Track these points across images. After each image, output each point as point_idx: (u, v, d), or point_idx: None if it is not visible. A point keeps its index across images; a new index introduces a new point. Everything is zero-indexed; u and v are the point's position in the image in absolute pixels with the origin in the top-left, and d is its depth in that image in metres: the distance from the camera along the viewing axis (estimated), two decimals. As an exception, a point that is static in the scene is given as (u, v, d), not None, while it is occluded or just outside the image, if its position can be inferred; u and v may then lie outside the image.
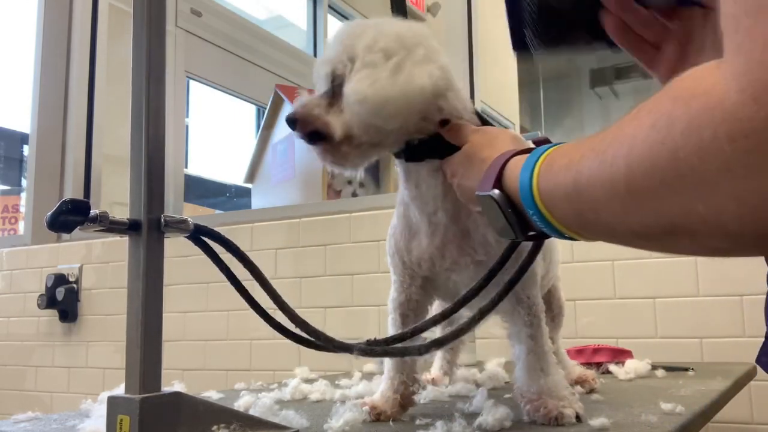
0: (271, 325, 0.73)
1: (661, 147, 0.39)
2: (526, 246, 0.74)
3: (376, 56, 0.73)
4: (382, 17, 0.81)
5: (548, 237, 0.64)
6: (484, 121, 0.81)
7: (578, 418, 0.76)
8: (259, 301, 0.74)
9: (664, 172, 0.39)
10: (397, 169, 0.86)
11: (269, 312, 0.75)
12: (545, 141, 0.65)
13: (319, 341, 0.73)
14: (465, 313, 0.86)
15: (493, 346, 1.53)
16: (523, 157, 0.60)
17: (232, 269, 0.74)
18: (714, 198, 0.37)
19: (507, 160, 0.63)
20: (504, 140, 0.70)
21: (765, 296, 0.66)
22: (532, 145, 0.65)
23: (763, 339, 0.69)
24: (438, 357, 1.19)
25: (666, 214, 0.41)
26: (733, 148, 0.35)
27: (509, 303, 0.81)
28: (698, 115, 0.37)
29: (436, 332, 0.94)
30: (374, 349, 0.71)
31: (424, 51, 0.75)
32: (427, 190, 0.82)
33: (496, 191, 0.61)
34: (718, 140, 0.35)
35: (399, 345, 0.74)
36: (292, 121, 0.77)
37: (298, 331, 0.74)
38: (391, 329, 0.87)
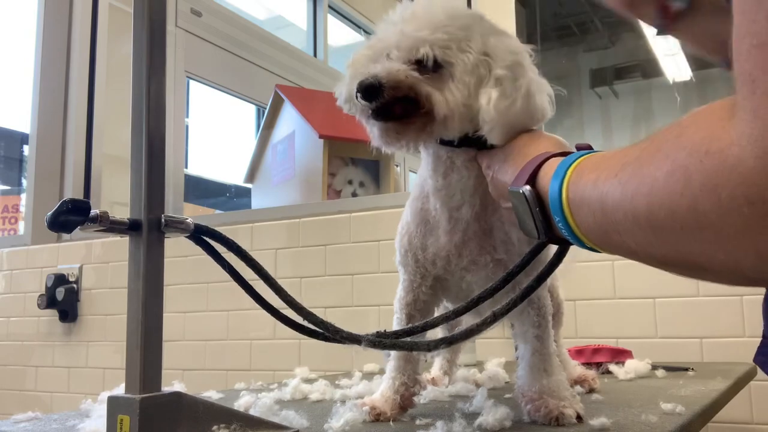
0: (278, 319, 0.73)
1: (680, 198, 0.41)
2: (547, 254, 0.74)
3: (504, 72, 0.73)
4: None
5: (570, 244, 0.65)
6: None
7: (579, 418, 0.76)
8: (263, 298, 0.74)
9: (684, 220, 0.41)
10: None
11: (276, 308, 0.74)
12: (588, 147, 0.66)
13: (328, 332, 0.72)
14: (466, 318, 0.85)
15: (493, 346, 1.53)
16: (560, 160, 0.61)
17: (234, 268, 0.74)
18: (734, 250, 0.39)
19: (545, 160, 0.63)
20: (548, 141, 0.70)
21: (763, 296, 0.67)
22: (574, 150, 0.66)
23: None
24: (438, 357, 1.19)
25: (688, 254, 0.43)
26: (751, 211, 0.36)
27: (521, 305, 0.81)
28: (714, 175, 0.38)
29: (437, 332, 0.94)
30: (383, 341, 0.70)
31: (536, 72, 0.76)
32: (457, 182, 0.80)
33: (528, 188, 0.62)
34: (737, 202, 0.37)
35: (408, 339, 0.74)
36: (375, 86, 0.71)
37: (305, 323, 0.73)
38: (396, 329, 0.87)
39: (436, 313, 0.92)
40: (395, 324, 0.88)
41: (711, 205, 0.38)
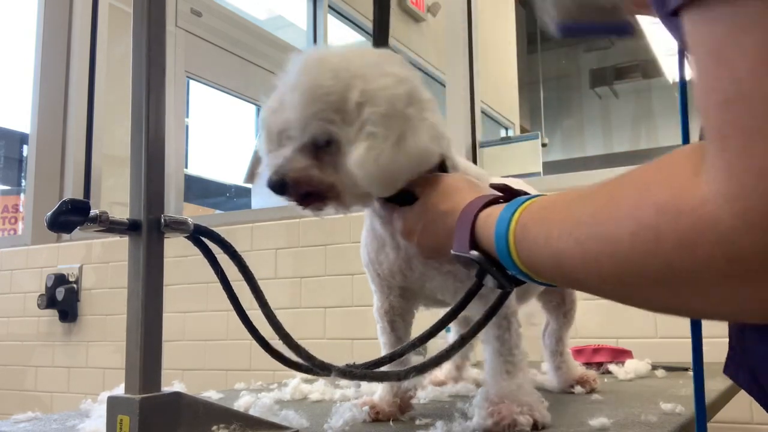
0: (253, 336, 0.74)
1: (653, 258, 0.40)
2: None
3: (376, 128, 0.69)
4: (352, 49, 0.76)
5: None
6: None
7: (536, 426, 0.71)
8: (260, 305, 0.74)
9: (657, 277, 0.40)
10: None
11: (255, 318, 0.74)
12: (505, 188, 0.67)
13: (300, 357, 0.72)
14: (453, 327, 0.85)
15: (493, 346, 1.53)
16: (492, 214, 0.60)
17: (232, 270, 0.74)
18: (711, 300, 0.40)
19: (475, 217, 0.62)
20: (460, 189, 0.69)
21: None
22: (492, 191, 0.66)
23: None
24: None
25: (661, 302, 0.44)
26: (731, 267, 0.36)
27: (478, 305, 0.77)
28: (690, 234, 0.37)
29: (443, 336, 0.93)
30: (353, 371, 0.69)
31: (418, 110, 0.72)
32: (386, 225, 0.80)
33: (475, 253, 0.61)
34: (715, 260, 0.36)
35: (378, 369, 0.73)
36: (280, 185, 0.73)
37: (281, 345, 0.73)
38: (381, 337, 0.87)
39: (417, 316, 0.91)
40: (379, 332, 0.88)
41: (687, 263, 0.38)
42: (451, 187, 0.70)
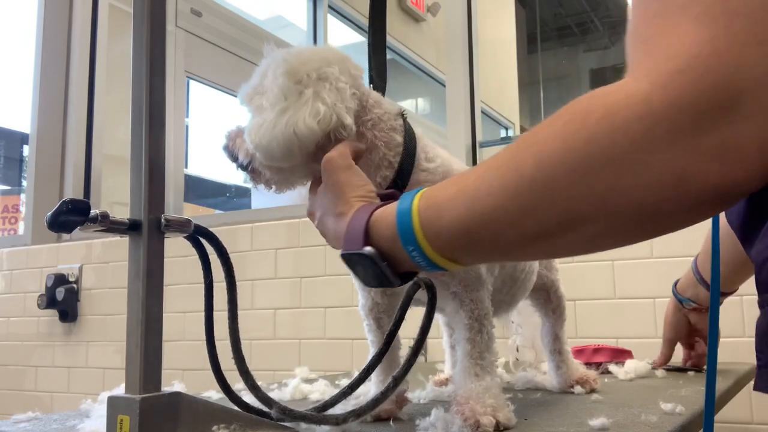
0: (209, 353, 0.76)
1: (575, 136, 0.44)
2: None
3: (264, 99, 0.75)
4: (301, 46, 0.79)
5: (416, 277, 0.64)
6: (407, 125, 0.79)
7: (498, 427, 0.72)
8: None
9: (575, 157, 0.44)
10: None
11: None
12: (392, 195, 0.67)
13: (247, 383, 0.72)
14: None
15: (493, 346, 1.53)
16: (387, 207, 0.61)
17: (236, 270, 0.74)
18: (615, 178, 0.42)
19: (369, 216, 0.62)
20: (343, 191, 0.69)
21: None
22: (380, 201, 0.66)
23: None
24: (449, 355, 1.19)
25: (563, 203, 0.45)
26: (639, 125, 0.41)
27: (452, 306, 0.79)
28: (613, 104, 0.42)
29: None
30: (293, 411, 0.70)
31: (312, 89, 0.73)
32: None
33: (369, 248, 0.60)
34: (628, 121, 0.41)
35: (317, 414, 0.73)
36: (223, 147, 0.83)
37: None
38: (368, 335, 0.87)
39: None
40: (366, 330, 0.87)
41: (605, 131, 0.42)
42: (340, 185, 0.70)
